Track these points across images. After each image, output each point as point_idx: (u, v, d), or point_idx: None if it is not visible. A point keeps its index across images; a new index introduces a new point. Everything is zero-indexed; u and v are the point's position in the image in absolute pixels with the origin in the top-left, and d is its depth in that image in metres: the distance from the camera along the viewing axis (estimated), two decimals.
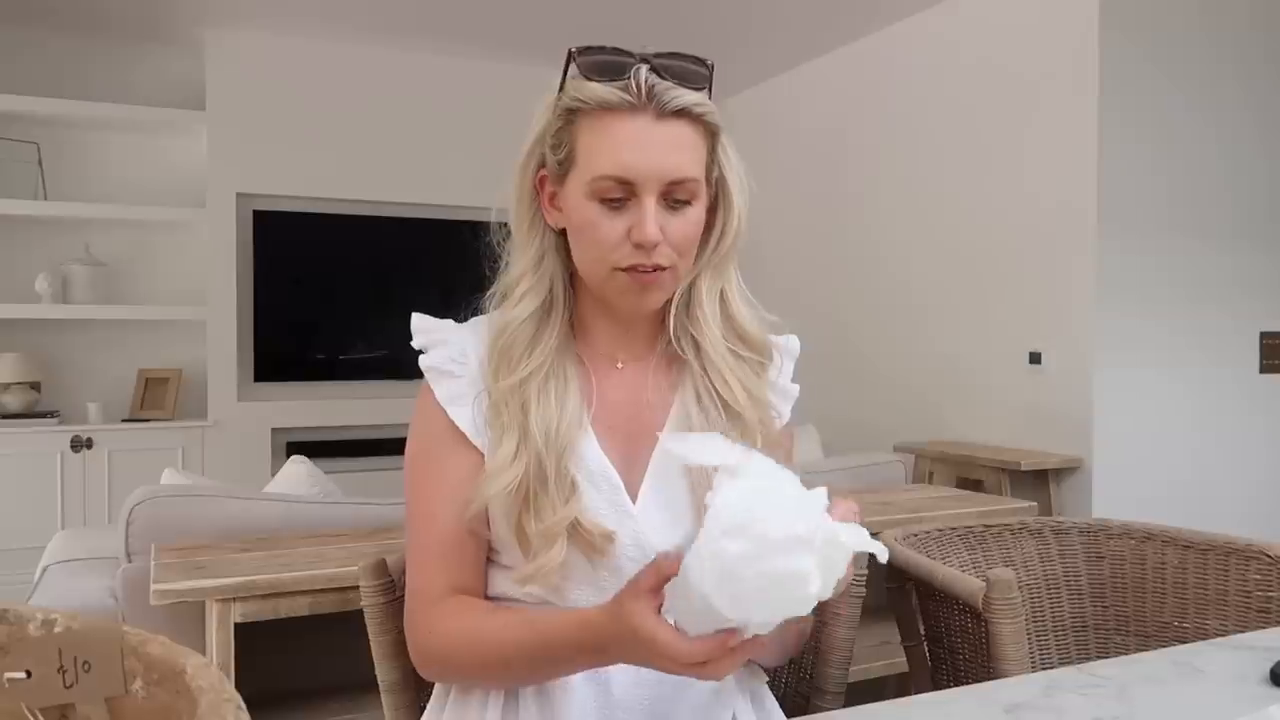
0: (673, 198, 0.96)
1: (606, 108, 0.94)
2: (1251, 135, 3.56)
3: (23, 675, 0.65)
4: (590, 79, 0.95)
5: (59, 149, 4.52)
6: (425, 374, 1.03)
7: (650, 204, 0.94)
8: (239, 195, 4.56)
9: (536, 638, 0.91)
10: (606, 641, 0.84)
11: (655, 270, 0.97)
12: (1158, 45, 3.42)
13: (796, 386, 1.12)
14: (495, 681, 0.99)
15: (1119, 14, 3.34)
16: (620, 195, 0.95)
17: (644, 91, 0.93)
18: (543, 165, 1.01)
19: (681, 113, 0.95)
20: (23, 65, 4.41)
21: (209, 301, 4.53)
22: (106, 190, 4.58)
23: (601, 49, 0.96)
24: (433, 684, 1.09)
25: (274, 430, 4.62)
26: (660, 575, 0.79)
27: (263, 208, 4.62)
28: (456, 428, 1.00)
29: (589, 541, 0.97)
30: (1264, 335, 3.60)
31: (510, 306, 1.02)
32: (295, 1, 4.17)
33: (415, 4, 4.18)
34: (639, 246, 0.95)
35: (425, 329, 1.05)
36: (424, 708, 1.09)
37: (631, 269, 0.96)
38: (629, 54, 0.95)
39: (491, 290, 1.05)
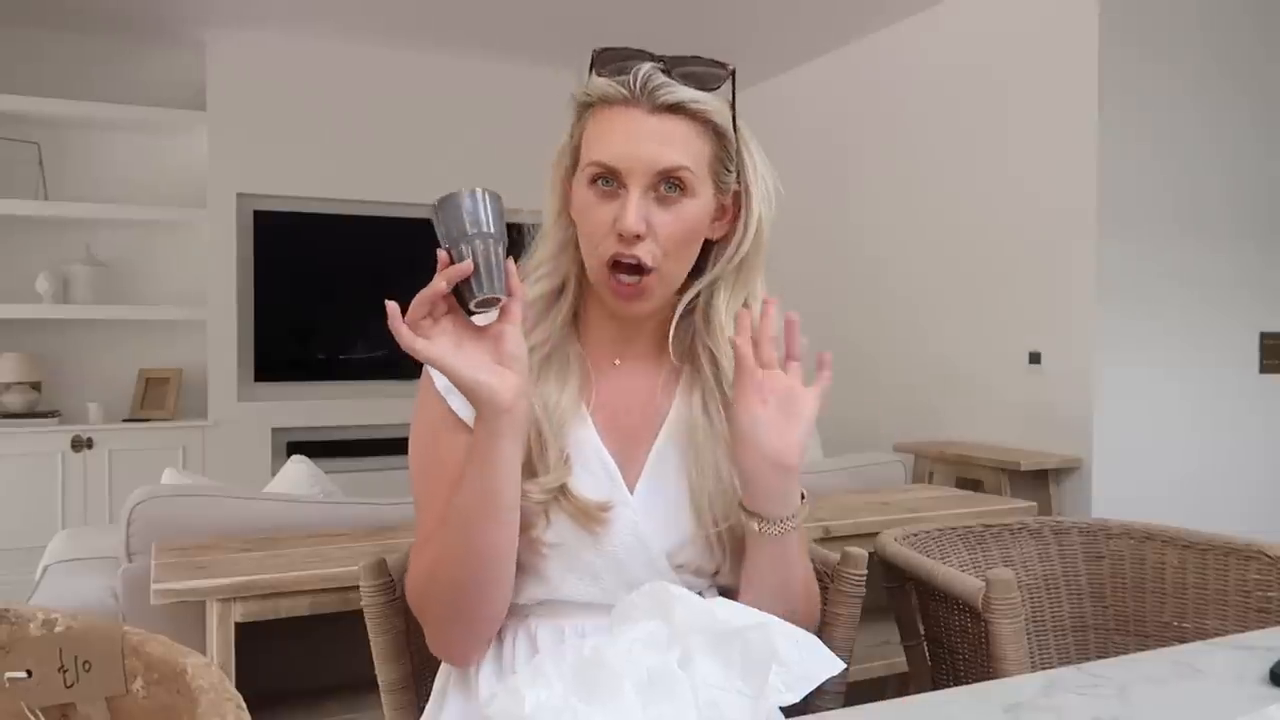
0: (663, 190, 0.97)
1: (606, 101, 0.98)
2: (1252, 134, 3.56)
3: (24, 675, 0.65)
4: (599, 75, 0.99)
5: (60, 149, 4.52)
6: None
7: (635, 194, 0.96)
8: (239, 195, 4.56)
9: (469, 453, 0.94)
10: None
11: (637, 271, 0.98)
12: (1158, 43, 3.42)
13: None
14: (464, 542, 0.94)
15: (1119, 11, 3.34)
16: (611, 184, 0.97)
17: (639, 86, 0.96)
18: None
19: (676, 108, 0.97)
20: (23, 65, 4.41)
21: (209, 301, 4.53)
22: (107, 190, 4.58)
23: (619, 49, 0.99)
24: (432, 683, 1.09)
25: (274, 430, 4.62)
26: None
27: (263, 208, 4.62)
28: (456, 415, 1.01)
29: (584, 510, 0.98)
30: (1264, 335, 3.60)
31: (528, 285, 1.04)
32: (295, 1, 4.17)
33: (415, 4, 4.18)
34: (622, 237, 0.96)
35: None
36: (424, 708, 1.09)
37: (613, 262, 0.98)
38: (644, 54, 0.98)
39: None
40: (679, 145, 0.97)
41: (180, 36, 4.53)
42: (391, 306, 0.86)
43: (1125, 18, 3.35)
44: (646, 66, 0.97)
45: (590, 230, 0.99)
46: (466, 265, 0.87)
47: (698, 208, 0.99)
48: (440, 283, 0.87)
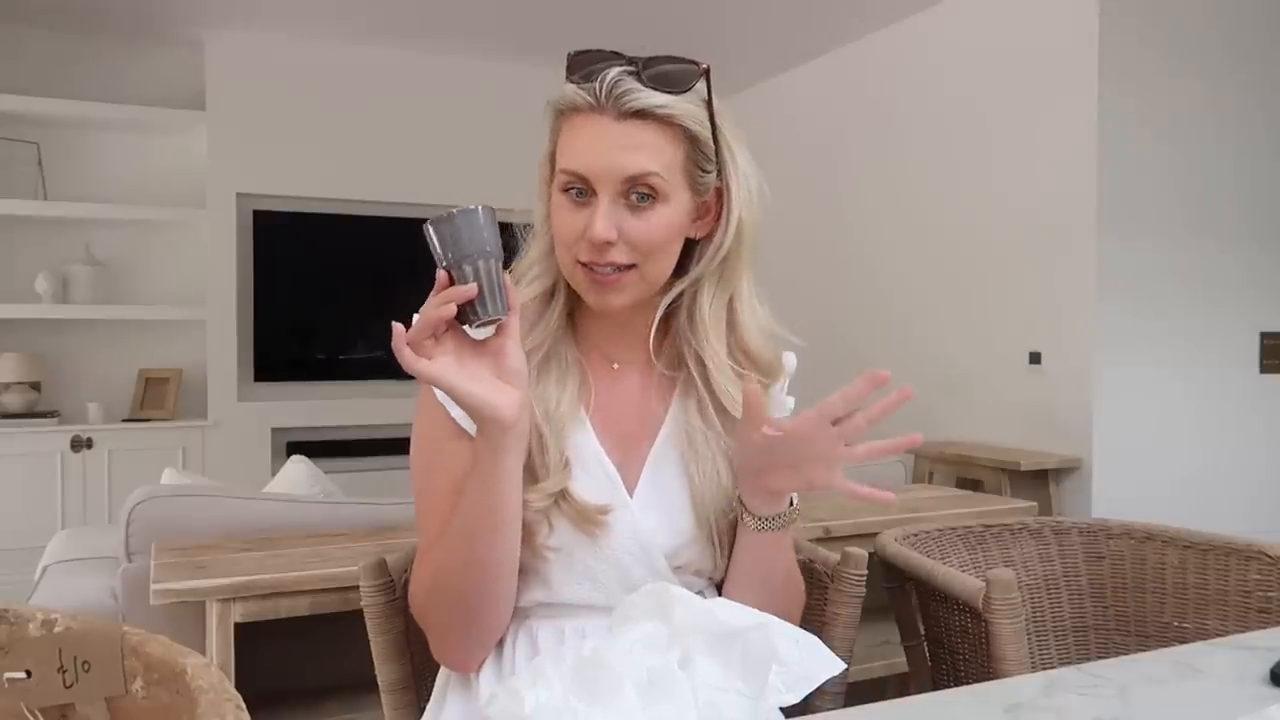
0: (632, 196, 0.97)
1: (574, 109, 0.98)
2: (1255, 131, 3.55)
3: (23, 675, 0.65)
4: (569, 81, 0.98)
5: (59, 149, 4.52)
6: None
7: (604, 202, 0.96)
8: (239, 195, 4.56)
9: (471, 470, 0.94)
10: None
11: (614, 269, 0.98)
12: (1159, 37, 3.41)
13: (791, 399, 1.12)
14: (466, 554, 0.95)
15: (1119, 5, 3.33)
16: (583, 193, 0.97)
17: (604, 93, 0.95)
18: None
19: (642, 114, 0.95)
20: (23, 65, 4.41)
21: (209, 301, 4.53)
22: (106, 190, 4.58)
23: (590, 52, 0.98)
24: (432, 684, 1.09)
25: (274, 430, 4.62)
26: None
27: (263, 208, 4.62)
28: (456, 423, 1.01)
29: (583, 513, 0.98)
30: (1264, 335, 3.60)
31: (520, 288, 1.04)
32: (295, 1, 4.17)
33: (415, 4, 4.18)
34: (593, 244, 0.97)
35: None
36: (424, 708, 1.09)
37: (587, 265, 0.98)
38: (615, 56, 0.97)
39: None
40: (647, 152, 0.96)
41: (179, 36, 4.53)
42: (397, 329, 0.86)
43: (1126, 11, 3.34)
44: (614, 72, 0.95)
45: (562, 233, 0.99)
46: (471, 288, 0.87)
47: (671, 213, 0.99)
48: (448, 307, 0.86)
